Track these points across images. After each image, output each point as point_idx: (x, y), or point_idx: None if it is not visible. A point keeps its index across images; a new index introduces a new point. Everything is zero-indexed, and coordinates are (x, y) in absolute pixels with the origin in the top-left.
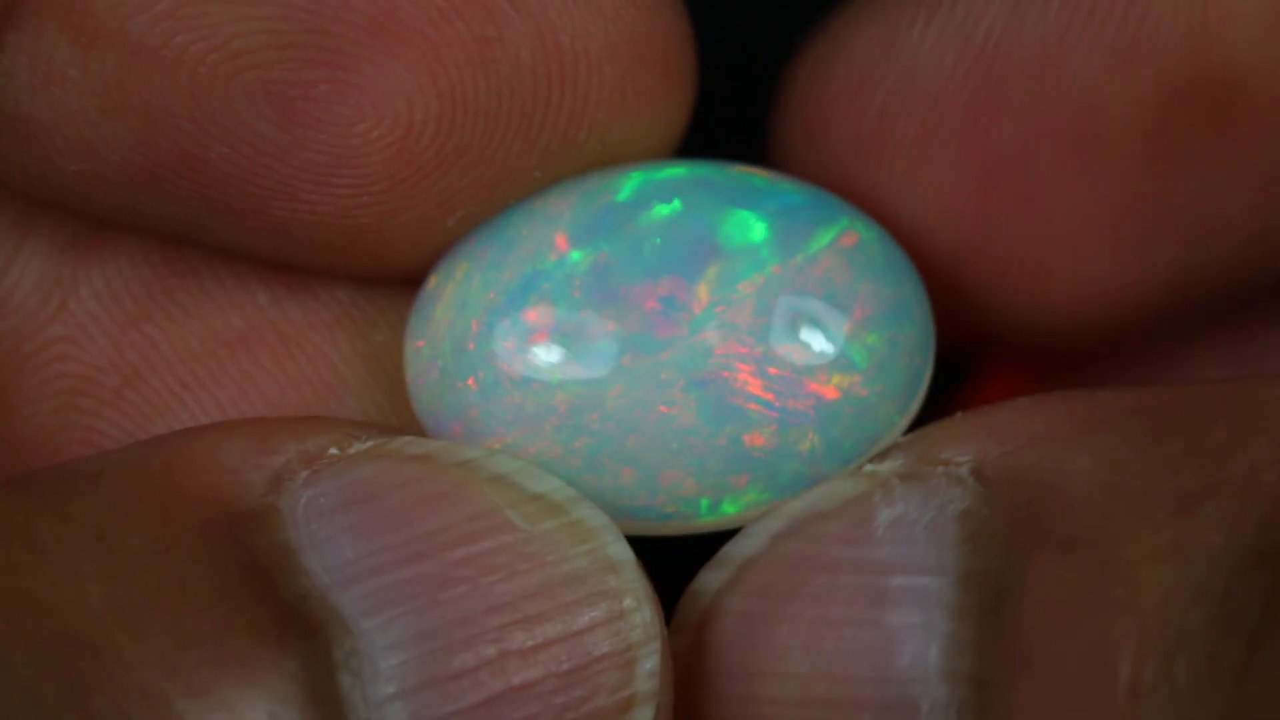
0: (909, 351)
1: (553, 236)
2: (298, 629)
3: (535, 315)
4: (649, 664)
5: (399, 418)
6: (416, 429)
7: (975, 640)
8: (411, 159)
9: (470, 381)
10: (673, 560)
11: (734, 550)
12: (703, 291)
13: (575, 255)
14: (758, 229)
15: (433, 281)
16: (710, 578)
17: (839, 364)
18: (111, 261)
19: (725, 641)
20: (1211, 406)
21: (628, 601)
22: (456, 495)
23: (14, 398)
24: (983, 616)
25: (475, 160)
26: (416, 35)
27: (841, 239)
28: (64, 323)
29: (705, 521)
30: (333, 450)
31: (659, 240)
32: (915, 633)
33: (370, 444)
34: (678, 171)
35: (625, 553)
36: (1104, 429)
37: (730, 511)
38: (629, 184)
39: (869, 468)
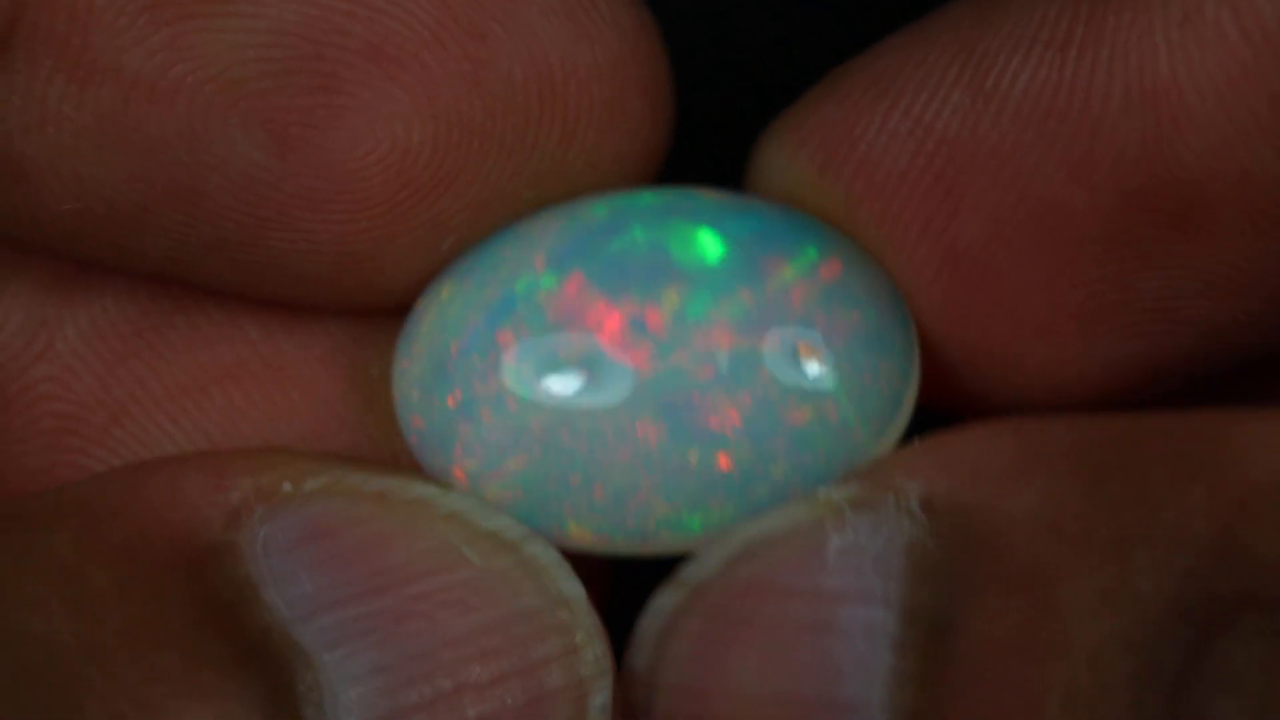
0: (888, 378)
1: (532, 259)
2: (261, 662)
3: (510, 336)
4: (600, 698)
5: (392, 450)
6: (409, 460)
7: (916, 675)
8: (408, 182)
9: (449, 401)
10: (637, 580)
11: (690, 573)
12: (674, 313)
13: (548, 277)
14: (720, 250)
15: (420, 304)
16: (667, 598)
17: (813, 390)
18: (98, 300)
19: (680, 660)
20: (1154, 445)
21: (579, 636)
22: (411, 532)
23: (1, 438)
24: (924, 652)
25: (469, 181)
26: (411, 58)
27: (821, 265)
28: (50, 362)
29: (676, 541)
30: (286, 486)
31: (630, 263)
32: (861, 663)
33: (324, 480)
34: (653, 198)
35: (576, 589)
36: (1049, 465)
37: (700, 533)
38: (604, 208)
39: (823, 493)
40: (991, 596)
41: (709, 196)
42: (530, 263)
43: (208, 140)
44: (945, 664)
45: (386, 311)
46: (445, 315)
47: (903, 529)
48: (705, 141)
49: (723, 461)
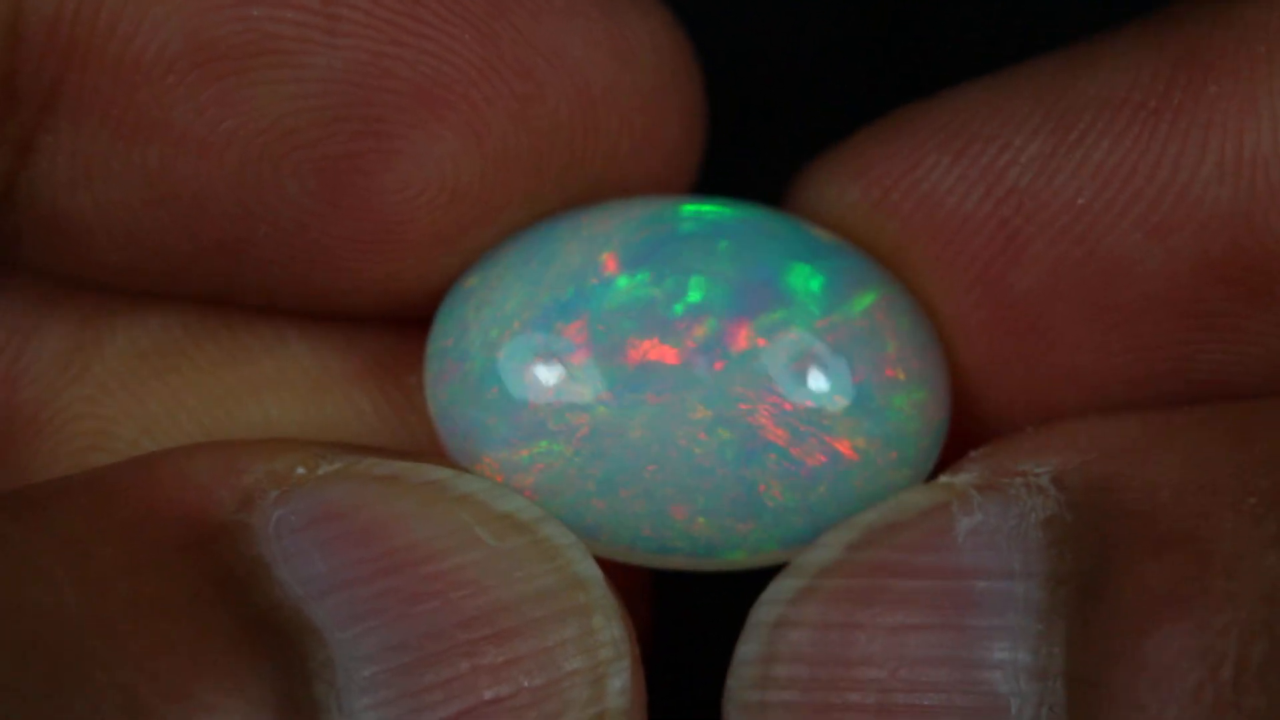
0: (928, 420)
1: (600, 258)
2: (272, 638)
3: (571, 335)
4: (619, 681)
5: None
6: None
7: (1067, 638)
8: (456, 219)
9: (494, 391)
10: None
11: (807, 559)
12: (743, 337)
13: (621, 281)
14: (815, 283)
15: (469, 282)
16: (783, 585)
17: (862, 424)
18: (138, 324)
19: (799, 650)
20: None
21: (596, 618)
22: (425, 513)
23: (31, 462)
24: (1074, 615)
25: (514, 212)
26: (460, 98)
27: (880, 302)
28: (85, 385)
29: (704, 560)
30: (300, 470)
31: (708, 281)
32: (1002, 634)
33: (338, 465)
34: (727, 212)
35: (593, 570)
36: (1185, 435)
37: (728, 556)
38: (683, 219)
39: (944, 479)
40: (1146, 557)
41: (779, 218)
42: (598, 262)
43: (258, 190)
44: (1100, 625)
45: (426, 321)
46: (499, 301)
47: (1036, 505)
48: (725, 148)
49: (761, 485)
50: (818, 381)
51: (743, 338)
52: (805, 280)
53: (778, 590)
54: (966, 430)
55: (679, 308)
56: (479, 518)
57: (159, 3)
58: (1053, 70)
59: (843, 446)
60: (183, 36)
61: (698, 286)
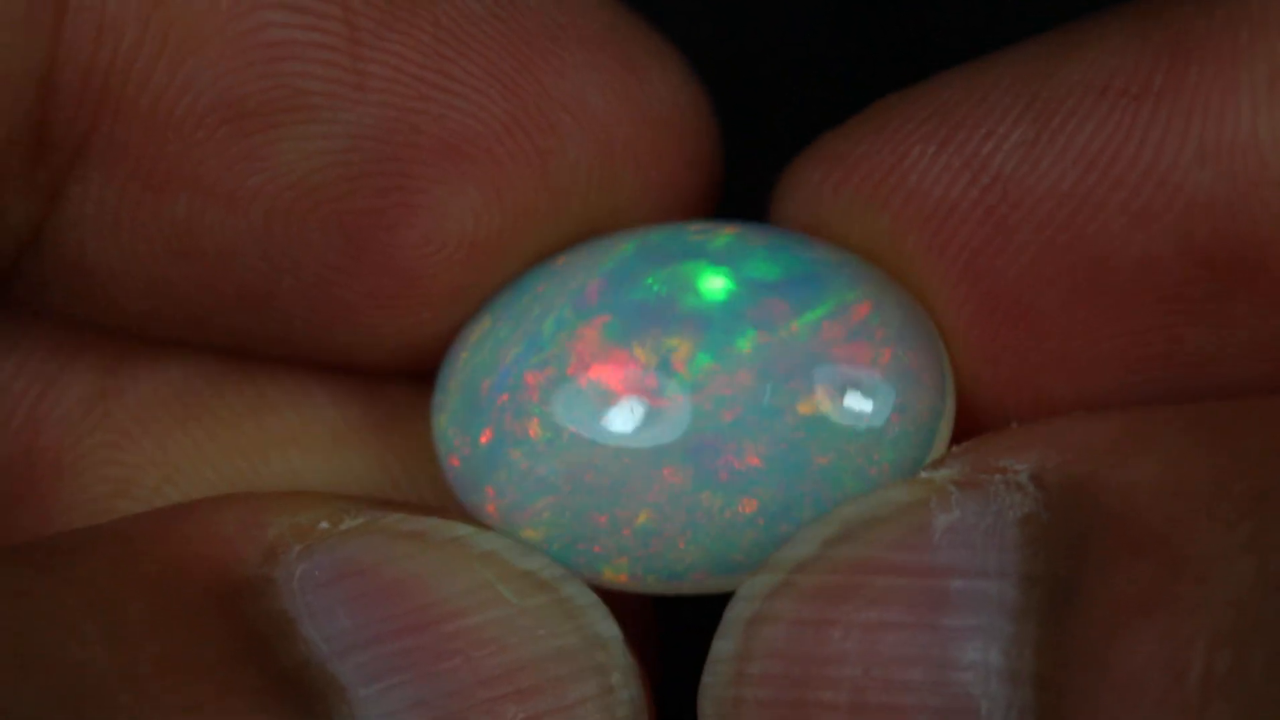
0: (918, 417)
1: (563, 298)
2: (297, 695)
3: (538, 376)
4: None
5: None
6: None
7: (1038, 641)
8: (474, 272)
9: (482, 439)
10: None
11: (783, 555)
12: (698, 356)
13: (577, 317)
14: (811, 313)
15: (461, 335)
16: (758, 582)
17: (840, 429)
18: (161, 372)
19: (774, 646)
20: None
21: (615, 678)
22: (448, 570)
23: (53, 507)
24: (1045, 617)
25: (528, 259)
26: (483, 153)
27: (853, 305)
28: (107, 430)
29: (706, 582)
30: (323, 524)
31: (657, 304)
32: (975, 635)
33: (362, 520)
34: (721, 240)
35: (612, 630)
36: (1166, 437)
37: (729, 574)
38: (626, 251)
39: (924, 475)
40: (1119, 560)
41: (740, 236)
42: (560, 302)
43: (284, 245)
44: (1071, 629)
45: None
46: (480, 351)
47: (1014, 503)
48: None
49: (748, 503)
50: (792, 393)
51: (700, 361)
52: (801, 311)
53: (754, 586)
54: (961, 426)
55: (634, 339)
56: (501, 576)
57: (191, 57)
58: (1035, 56)
59: (823, 457)
60: (214, 91)
61: (649, 316)
